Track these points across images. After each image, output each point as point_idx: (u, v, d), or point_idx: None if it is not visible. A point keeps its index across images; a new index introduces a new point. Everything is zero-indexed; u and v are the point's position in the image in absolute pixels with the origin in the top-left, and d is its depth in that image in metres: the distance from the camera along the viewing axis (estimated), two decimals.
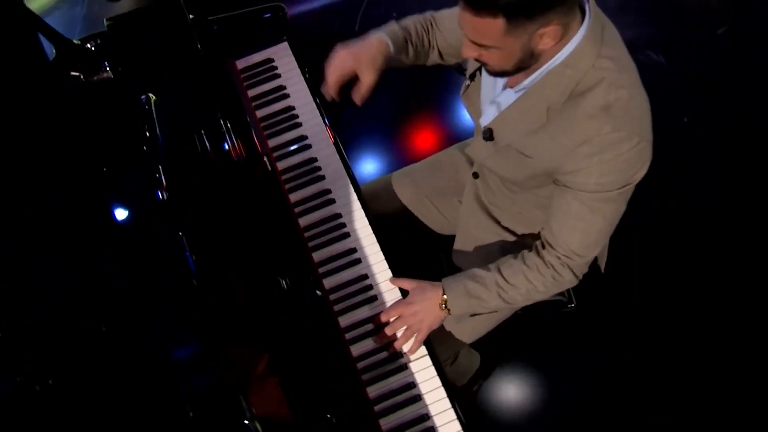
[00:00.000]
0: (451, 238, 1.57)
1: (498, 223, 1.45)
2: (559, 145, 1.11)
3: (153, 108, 1.18)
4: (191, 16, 1.45)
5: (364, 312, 1.34)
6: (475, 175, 1.45)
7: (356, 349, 1.30)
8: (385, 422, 1.23)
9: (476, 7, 0.95)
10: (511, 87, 1.17)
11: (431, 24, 1.41)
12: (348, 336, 1.32)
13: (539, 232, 1.28)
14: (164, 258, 1.11)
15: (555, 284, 1.23)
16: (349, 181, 1.47)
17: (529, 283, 1.23)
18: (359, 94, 1.29)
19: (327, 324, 1.31)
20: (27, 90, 1.16)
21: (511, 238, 1.44)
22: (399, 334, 1.30)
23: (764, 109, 2.39)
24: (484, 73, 1.24)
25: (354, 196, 1.46)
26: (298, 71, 1.59)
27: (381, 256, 1.39)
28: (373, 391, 1.26)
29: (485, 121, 1.24)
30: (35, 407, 0.90)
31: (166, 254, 1.11)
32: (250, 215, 1.33)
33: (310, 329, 1.29)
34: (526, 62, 1.07)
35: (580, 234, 1.17)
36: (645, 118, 1.11)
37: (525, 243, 1.40)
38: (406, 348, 1.29)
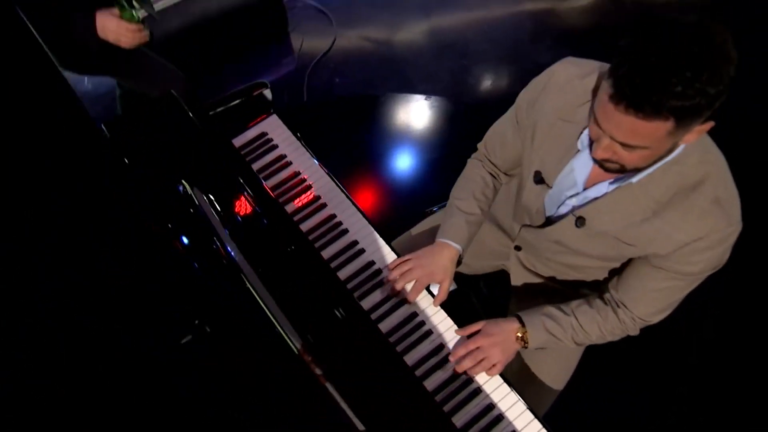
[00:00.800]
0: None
1: (550, 278, 1.51)
2: (670, 238, 1.10)
3: (192, 192, 1.14)
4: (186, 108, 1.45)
5: (424, 348, 1.34)
6: (518, 248, 1.50)
7: (429, 384, 1.29)
8: None
9: (648, 112, 0.88)
10: (607, 180, 1.15)
11: (489, 161, 1.47)
12: (417, 373, 1.30)
13: (599, 277, 1.38)
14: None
15: (621, 335, 1.32)
16: (373, 229, 1.48)
17: (600, 331, 1.29)
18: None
19: (397, 368, 1.29)
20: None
21: (567, 285, 1.50)
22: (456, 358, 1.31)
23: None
24: (574, 159, 1.20)
25: (381, 242, 1.47)
26: (294, 138, 1.61)
27: (424, 292, 1.40)
28: (458, 420, 1.25)
29: (564, 210, 1.26)
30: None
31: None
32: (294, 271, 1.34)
33: (384, 378, 1.26)
34: (663, 158, 1.04)
35: (660, 304, 1.23)
36: (739, 203, 1.11)
37: (582, 285, 1.46)
38: (479, 375, 1.29)
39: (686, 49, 0.85)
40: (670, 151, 1.02)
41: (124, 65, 1.72)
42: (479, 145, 1.50)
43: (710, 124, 0.95)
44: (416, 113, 2.72)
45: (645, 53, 0.87)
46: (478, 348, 1.30)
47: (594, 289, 1.46)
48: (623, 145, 0.97)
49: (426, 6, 3.09)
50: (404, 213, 1.86)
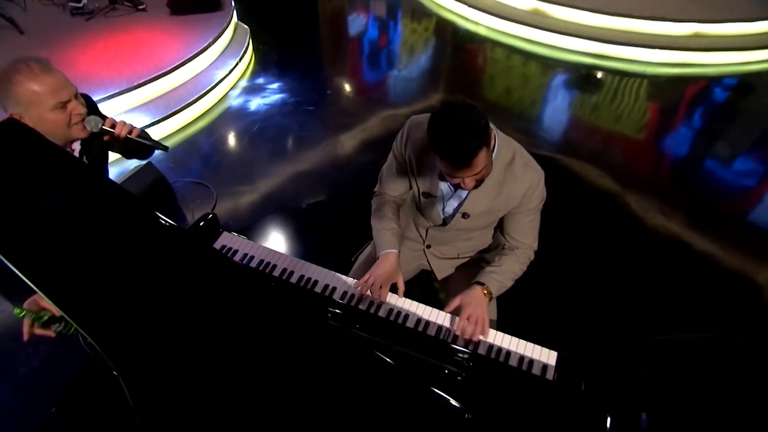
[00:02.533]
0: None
1: (458, 254, 2.02)
2: (514, 196, 1.71)
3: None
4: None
5: (412, 320, 1.72)
6: (428, 246, 2.02)
7: (458, 346, 1.68)
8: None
9: (473, 156, 1.44)
10: None
11: (387, 194, 1.94)
12: (419, 329, 1.71)
13: (493, 242, 1.95)
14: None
15: (528, 262, 1.85)
16: (336, 272, 1.86)
17: (520, 265, 1.83)
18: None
19: (407, 330, 1.67)
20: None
21: (478, 255, 2.03)
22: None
23: None
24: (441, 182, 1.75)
25: (344, 278, 1.85)
26: (247, 241, 1.96)
27: (392, 294, 1.82)
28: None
29: (449, 210, 1.81)
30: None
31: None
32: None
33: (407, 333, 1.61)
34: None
35: (533, 233, 1.83)
36: (533, 159, 1.73)
37: (487, 251, 1.99)
38: (480, 332, 1.69)
39: (461, 122, 1.42)
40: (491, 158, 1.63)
41: None
42: (376, 189, 2.01)
43: (489, 150, 1.54)
44: (298, 218, 3.28)
45: (444, 134, 1.43)
46: (470, 316, 1.69)
47: (489, 247, 2.02)
48: (475, 173, 1.53)
49: (272, 157, 3.77)
50: (338, 262, 2.24)
